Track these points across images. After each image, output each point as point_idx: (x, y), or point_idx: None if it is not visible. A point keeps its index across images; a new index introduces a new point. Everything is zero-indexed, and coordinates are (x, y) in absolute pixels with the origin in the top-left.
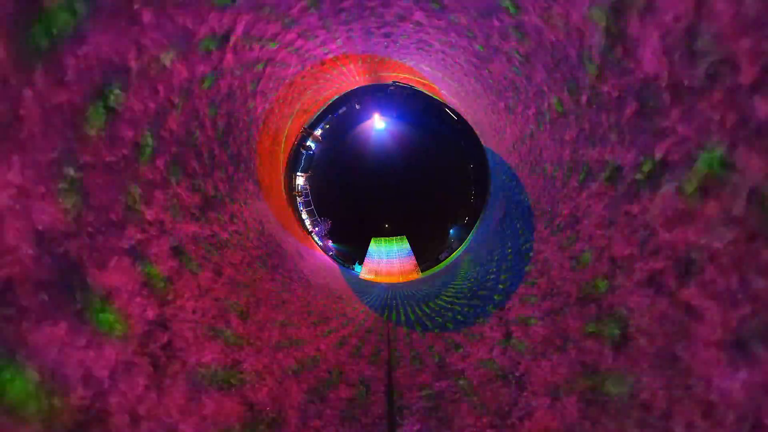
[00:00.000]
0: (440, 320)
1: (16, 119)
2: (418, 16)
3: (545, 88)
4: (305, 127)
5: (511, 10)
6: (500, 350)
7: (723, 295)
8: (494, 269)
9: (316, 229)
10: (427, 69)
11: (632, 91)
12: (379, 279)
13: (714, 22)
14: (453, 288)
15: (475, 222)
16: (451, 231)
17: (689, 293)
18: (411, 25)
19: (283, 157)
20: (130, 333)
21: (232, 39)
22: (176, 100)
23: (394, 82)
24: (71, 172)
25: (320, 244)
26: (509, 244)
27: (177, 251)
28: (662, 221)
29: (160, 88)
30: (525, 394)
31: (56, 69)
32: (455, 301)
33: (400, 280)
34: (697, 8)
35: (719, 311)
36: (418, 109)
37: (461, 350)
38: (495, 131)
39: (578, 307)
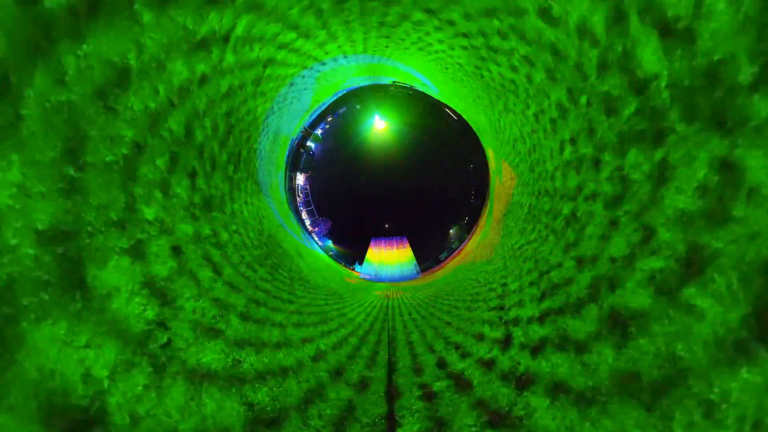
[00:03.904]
0: (440, 320)
1: (17, 119)
2: (419, 16)
3: (545, 88)
4: (305, 127)
5: (512, 10)
6: (500, 350)
7: (723, 295)
8: (495, 269)
9: (316, 229)
10: (428, 69)
11: (632, 91)
12: (379, 279)
13: (714, 22)
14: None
15: (476, 222)
16: (451, 231)
17: (689, 293)
18: (411, 25)
19: (283, 157)
20: (130, 333)
21: (232, 39)
22: (176, 100)
23: (394, 82)
24: (71, 172)
25: (320, 244)
26: (509, 243)
27: (177, 251)
28: (662, 221)
29: (160, 88)
30: (525, 394)
31: (56, 69)
32: (455, 301)
33: (400, 279)
34: (697, 8)
35: (719, 311)
36: (418, 109)
37: (461, 350)
38: (495, 131)
39: (578, 307)
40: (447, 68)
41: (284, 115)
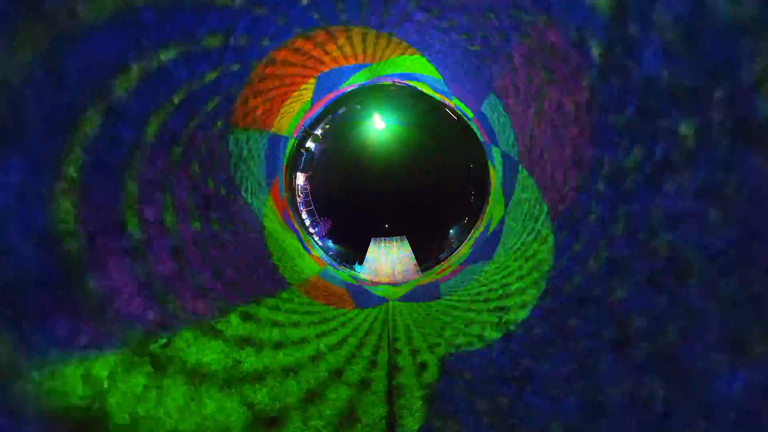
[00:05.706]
0: (441, 320)
1: (16, 119)
2: (419, 16)
3: (545, 88)
4: (305, 127)
5: (512, 10)
6: (500, 350)
7: (723, 295)
8: (495, 269)
9: (316, 229)
10: (428, 69)
11: (632, 91)
12: (379, 279)
13: (714, 22)
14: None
15: (476, 222)
16: (451, 231)
17: (689, 293)
18: (411, 25)
19: (283, 157)
20: (130, 333)
21: (232, 39)
22: (176, 100)
23: (394, 82)
24: (71, 172)
25: (320, 244)
26: (510, 243)
27: (177, 251)
28: (662, 221)
29: (160, 88)
30: (525, 394)
31: (56, 69)
32: (456, 302)
33: (400, 280)
34: (697, 8)
35: (719, 311)
36: (418, 109)
37: (461, 350)
38: (495, 131)
39: (578, 307)
40: (448, 68)
41: (284, 115)
